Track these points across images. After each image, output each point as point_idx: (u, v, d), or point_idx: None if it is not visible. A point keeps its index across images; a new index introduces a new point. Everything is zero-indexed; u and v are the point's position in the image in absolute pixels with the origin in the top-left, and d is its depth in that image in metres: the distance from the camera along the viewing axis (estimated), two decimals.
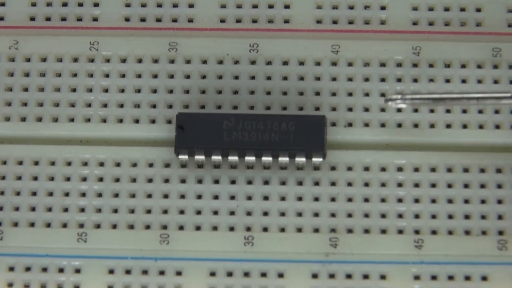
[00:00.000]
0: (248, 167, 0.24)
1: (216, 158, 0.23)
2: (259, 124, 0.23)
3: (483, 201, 0.24)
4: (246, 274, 0.23)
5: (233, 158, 0.23)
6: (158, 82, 0.25)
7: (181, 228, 0.24)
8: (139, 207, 0.24)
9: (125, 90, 0.25)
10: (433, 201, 0.24)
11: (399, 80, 0.25)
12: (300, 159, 0.23)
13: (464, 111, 0.24)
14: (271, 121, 0.23)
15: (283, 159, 0.23)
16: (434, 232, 0.23)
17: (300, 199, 0.24)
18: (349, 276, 0.23)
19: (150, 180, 0.24)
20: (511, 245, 0.23)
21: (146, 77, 0.25)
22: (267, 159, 0.23)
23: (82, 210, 0.24)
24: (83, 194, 0.24)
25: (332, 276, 0.23)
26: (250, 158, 0.23)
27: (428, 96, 0.23)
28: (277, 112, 0.24)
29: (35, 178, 0.24)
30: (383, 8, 0.25)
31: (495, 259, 0.23)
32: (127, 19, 0.26)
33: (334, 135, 0.24)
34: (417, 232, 0.23)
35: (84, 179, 0.24)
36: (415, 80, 0.25)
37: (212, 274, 0.23)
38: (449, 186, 0.24)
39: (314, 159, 0.23)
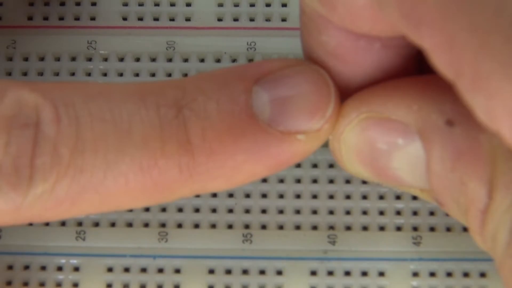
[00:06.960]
0: None
1: None
2: None
3: None
4: (245, 272, 0.23)
5: None
6: (156, 80, 0.25)
7: (179, 226, 0.24)
8: None
9: None
10: None
11: None
12: None
13: None
14: None
15: None
16: (432, 229, 0.23)
17: (298, 196, 0.24)
18: (347, 273, 0.23)
19: None
20: None
21: (144, 76, 0.25)
22: None
23: None
24: None
25: (330, 273, 0.23)
26: None
27: None
28: None
29: None
30: None
31: None
32: (124, 18, 0.26)
33: None
34: (415, 229, 0.23)
35: None
36: None
37: (211, 271, 0.23)
38: None
39: None
